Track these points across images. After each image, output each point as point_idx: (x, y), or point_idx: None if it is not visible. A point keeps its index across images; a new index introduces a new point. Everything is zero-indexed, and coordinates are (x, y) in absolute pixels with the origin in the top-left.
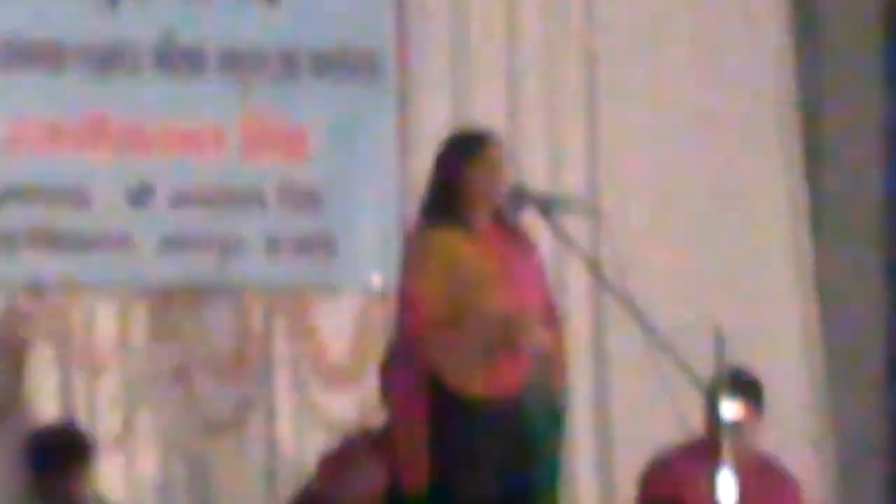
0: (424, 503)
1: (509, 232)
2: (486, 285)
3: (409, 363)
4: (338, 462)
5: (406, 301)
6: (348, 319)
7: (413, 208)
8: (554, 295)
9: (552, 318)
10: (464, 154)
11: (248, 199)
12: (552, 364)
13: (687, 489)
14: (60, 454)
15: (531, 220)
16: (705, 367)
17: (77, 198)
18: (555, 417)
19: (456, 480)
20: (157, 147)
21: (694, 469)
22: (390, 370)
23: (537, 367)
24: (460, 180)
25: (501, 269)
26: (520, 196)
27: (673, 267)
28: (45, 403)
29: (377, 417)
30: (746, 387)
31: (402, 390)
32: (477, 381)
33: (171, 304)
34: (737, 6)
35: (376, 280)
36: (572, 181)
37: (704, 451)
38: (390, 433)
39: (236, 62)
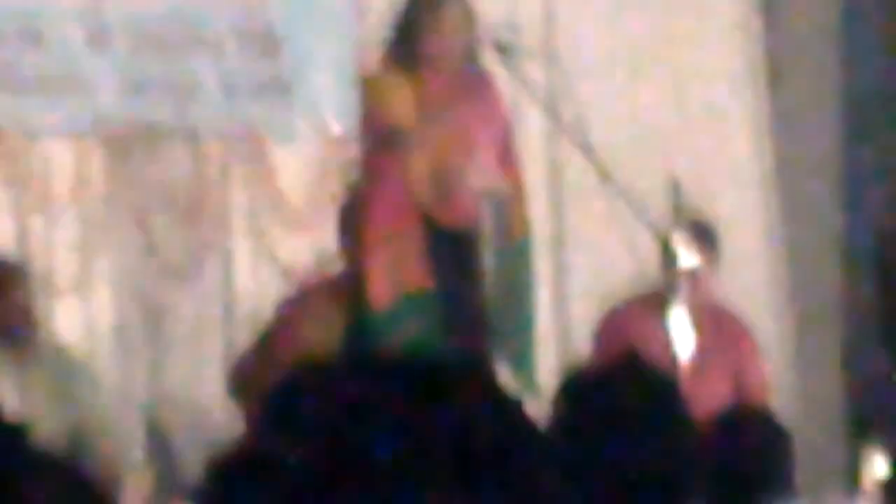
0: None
1: (465, 78)
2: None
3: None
4: (295, 306)
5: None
6: (306, 165)
7: (371, 53)
8: (512, 137)
9: (508, 160)
10: (420, 12)
11: (205, 43)
12: (509, 203)
13: (642, 340)
14: None
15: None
16: (662, 215)
17: (34, 40)
18: (517, 255)
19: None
20: None
21: (649, 320)
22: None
23: (492, 206)
24: (414, 39)
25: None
26: (478, 41)
27: (629, 114)
28: (2, 248)
29: (334, 263)
30: (702, 234)
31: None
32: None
33: (129, 149)
34: None
35: (334, 125)
36: (528, 11)
37: (660, 302)
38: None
39: None
